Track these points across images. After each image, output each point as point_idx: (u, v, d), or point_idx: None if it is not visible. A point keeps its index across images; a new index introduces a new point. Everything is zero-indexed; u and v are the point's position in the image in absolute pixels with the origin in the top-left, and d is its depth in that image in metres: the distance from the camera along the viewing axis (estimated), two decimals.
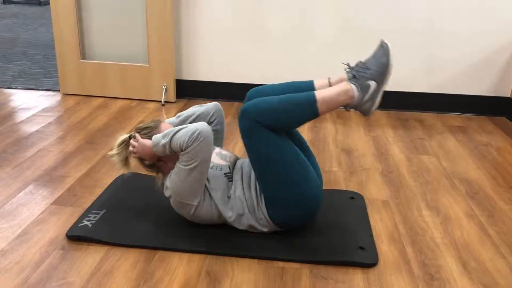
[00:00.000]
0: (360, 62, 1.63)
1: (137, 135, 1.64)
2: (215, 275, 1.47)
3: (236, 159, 1.75)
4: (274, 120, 1.54)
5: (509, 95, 3.11)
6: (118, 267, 1.49)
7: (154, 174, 1.73)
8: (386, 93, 3.17)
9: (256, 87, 1.73)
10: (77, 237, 1.61)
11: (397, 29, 3.04)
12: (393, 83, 3.16)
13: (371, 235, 1.68)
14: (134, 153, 1.64)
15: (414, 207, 1.93)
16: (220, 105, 1.83)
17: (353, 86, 1.56)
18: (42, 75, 3.83)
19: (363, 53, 3.10)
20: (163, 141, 1.54)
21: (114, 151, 1.68)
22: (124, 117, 2.88)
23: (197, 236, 1.63)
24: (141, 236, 1.63)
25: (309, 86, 1.68)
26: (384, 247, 1.64)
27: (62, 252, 1.55)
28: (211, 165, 1.65)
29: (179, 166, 1.55)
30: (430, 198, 2.00)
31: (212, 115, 1.80)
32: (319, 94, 1.55)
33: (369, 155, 2.43)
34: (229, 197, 1.62)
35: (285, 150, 1.56)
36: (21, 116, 2.83)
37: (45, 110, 2.96)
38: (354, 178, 2.17)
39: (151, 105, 3.12)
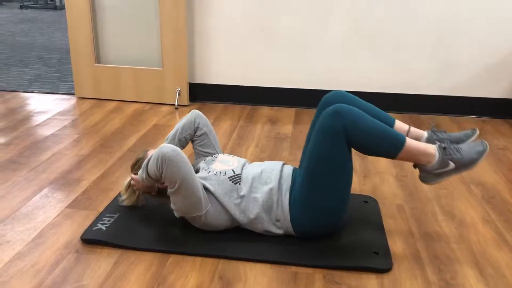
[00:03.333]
0: (448, 134, 1.72)
1: (132, 175, 1.76)
2: (228, 280, 1.46)
3: (244, 162, 1.76)
4: (359, 137, 1.53)
5: None
6: (132, 271, 1.49)
7: (166, 200, 1.76)
8: (401, 96, 3.15)
9: (340, 91, 1.76)
10: (91, 240, 1.63)
11: (410, 31, 3.02)
12: (408, 86, 3.14)
13: (385, 240, 1.67)
14: (137, 188, 1.77)
15: (429, 211, 1.91)
16: (198, 111, 1.90)
17: (437, 155, 1.57)
18: (57, 79, 3.88)
19: (375, 55, 3.08)
20: (143, 175, 1.64)
21: (125, 196, 1.80)
22: (138, 120, 2.90)
23: (210, 240, 1.64)
24: (155, 240, 1.64)
25: (390, 122, 1.74)
26: (399, 252, 1.63)
27: (76, 255, 1.56)
28: (214, 172, 1.67)
29: (168, 190, 1.61)
30: (445, 203, 1.98)
31: (195, 122, 1.87)
32: (409, 142, 1.55)
33: (383, 159, 2.41)
34: (242, 197, 1.63)
35: (346, 163, 1.57)
36: (37, 119, 2.87)
37: (60, 113, 3.00)
38: (368, 182, 2.15)
39: (165, 109, 3.14)
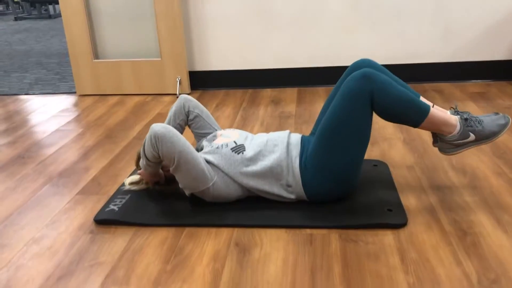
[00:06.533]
0: (470, 114, 1.67)
1: (138, 172, 1.79)
2: (244, 246, 1.46)
3: (246, 134, 1.76)
4: (386, 102, 1.51)
5: None
6: (148, 245, 1.49)
7: (177, 185, 1.78)
8: (403, 65, 3.14)
9: (368, 59, 1.74)
10: (104, 220, 1.62)
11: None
12: (409, 55, 3.12)
13: (398, 197, 1.66)
14: (146, 182, 1.79)
15: (440, 170, 1.90)
16: (185, 95, 1.88)
17: (458, 126, 1.58)
18: (58, 80, 3.88)
19: (376, 30, 3.06)
20: (144, 162, 1.66)
21: (135, 188, 1.82)
22: (141, 111, 2.90)
23: (223, 212, 1.63)
24: (168, 215, 1.64)
25: (415, 95, 1.71)
26: (412, 208, 1.62)
27: (91, 236, 1.56)
28: (215, 146, 1.67)
29: (170, 169, 1.61)
30: (456, 161, 1.97)
31: (184, 106, 1.85)
32: (433, 111, 1.55)
33: (390, 126, 2.40)
34: (247, 165, 1.62)
35: (366, 128, 1.55)
36: (40, 118, 2.88)
37: (63, 111, 3.00)
38: (376, 149, 2.14)
39: (167, 99, 3.14)
